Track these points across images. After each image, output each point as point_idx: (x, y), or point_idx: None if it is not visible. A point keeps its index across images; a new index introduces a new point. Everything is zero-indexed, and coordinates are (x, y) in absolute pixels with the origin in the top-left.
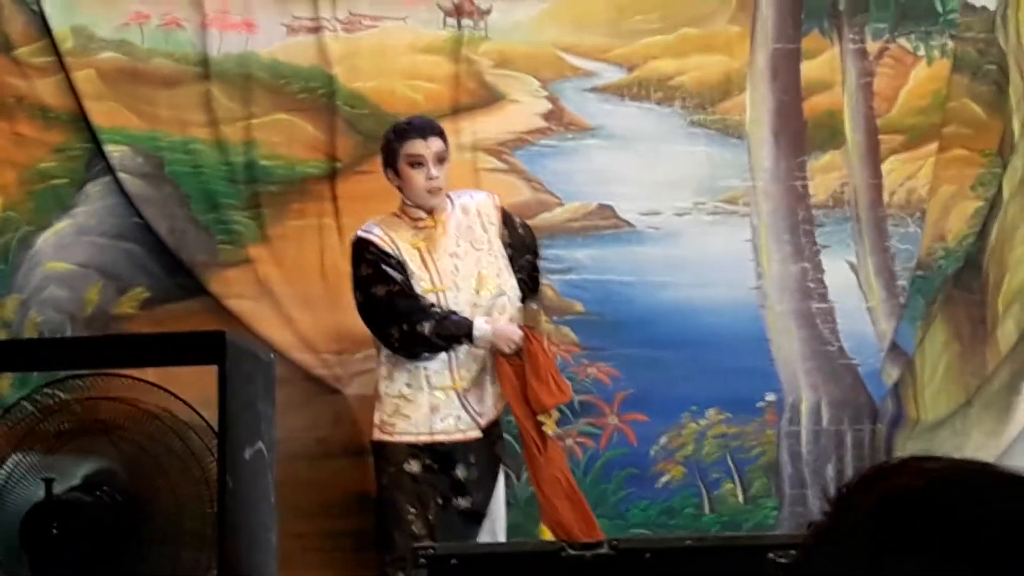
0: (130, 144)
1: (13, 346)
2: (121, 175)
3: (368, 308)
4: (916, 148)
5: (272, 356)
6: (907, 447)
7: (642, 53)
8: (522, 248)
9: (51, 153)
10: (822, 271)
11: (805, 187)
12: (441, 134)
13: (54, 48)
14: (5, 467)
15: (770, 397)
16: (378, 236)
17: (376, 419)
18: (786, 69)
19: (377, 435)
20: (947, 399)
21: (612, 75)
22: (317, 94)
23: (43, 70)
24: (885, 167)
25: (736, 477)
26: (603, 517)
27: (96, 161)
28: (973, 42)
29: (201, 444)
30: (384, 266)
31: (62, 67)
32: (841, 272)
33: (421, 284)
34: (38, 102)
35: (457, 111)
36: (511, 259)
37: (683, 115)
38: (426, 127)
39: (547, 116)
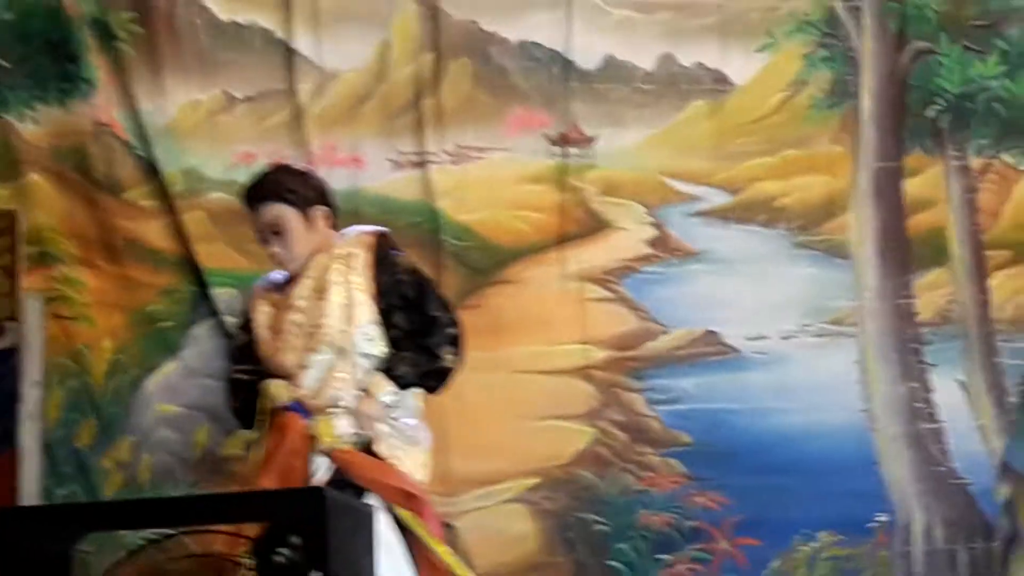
0: (237, 285)
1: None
2: (228, 318)
3: None
4: (1023, 263)
5: (372, 507)
6: (1023, 565)
7: (746, 176)
8: (399, 299)
9: (158, 296)
10: (931, 390)
11: (911, 305)
12: (277, 197)
13: (163, 191)
14: None
15: (882, 518)
16: (251, 290)
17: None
18: (889, 187)
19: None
20: None
21: (716, 199)
22: (423, 229)
23: (152, 213)
24: (992, 283)
25: None
26: None
27: (202, 303)
28: None
29: None
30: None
31: (171, 209)
32: (950, 391)
33: (261, 348)
34: (147, 244)
35: (564, 240)
36: (384, 312)
37: (788, 236)
38: (253, 193)
39: (653, 243)
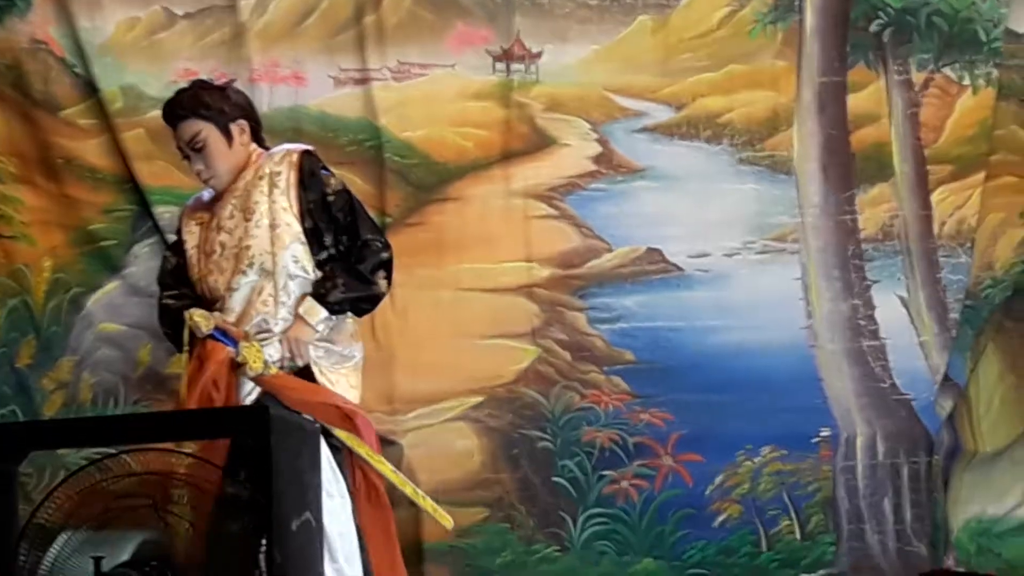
0: (179, 204)
1: (61, 424)
2: (170, 236)
3: None
4: (964, 177)
5: (317, 424)
6: (964, 478)
7: (690, 91)
8: (327, 219)
9: (99, 214)
10: (873, 307)
11: (855, 221)
12: (196, 113)
13: (102, 108)
14: (54, 545)
15: (825, 432)
16: (181, 210)
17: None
18: (833, 103)
19: None
20: (1005, 430)
21: (661, 115)
22: (365, 146)
23: (91, 131)
24: (934, 198)
25: (793, 514)
26: (661, 559)
27: (144, 222)
28: (1018, 69)
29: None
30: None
31: (110, 128)
32: (892, 307)
33: (192, 270)
34: (86, 163)
35: (508, 157)
36: (311, 232)
37: (732, 152)
38: (172, 111)
39: (597, 159)
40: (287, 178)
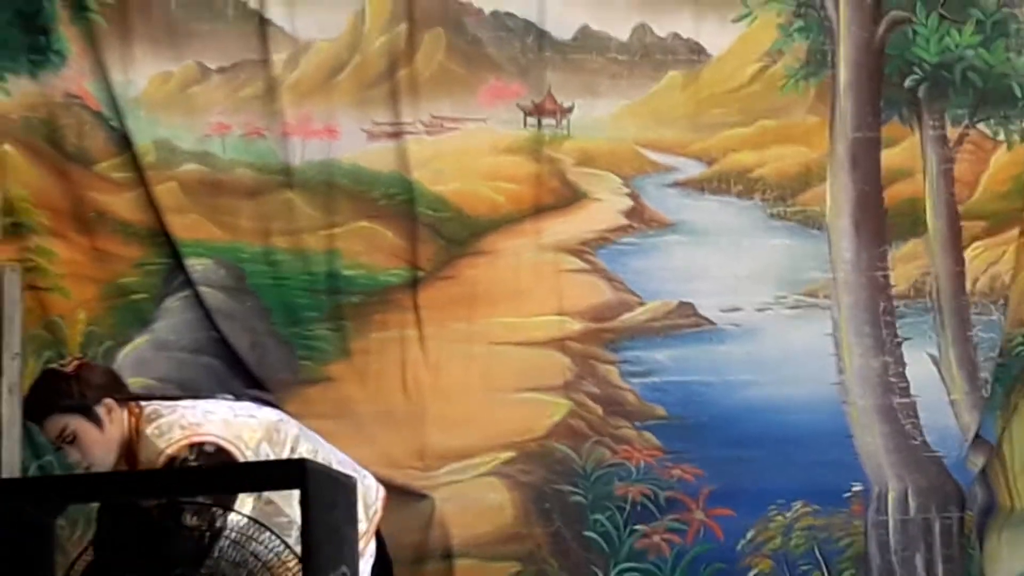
0: (212, 256)
1: (99, 477)
2: (202, 289)
3: None
4: (999, 233)
5: (354, 479)
6: (1003, 536)
7: (721, 147)
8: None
9: (131, 268)
10: (904, 364)
11: (886, 277)
12: (58, 409)
13: (134, 163)
14: None
15: (856, 487)
16: None
17: None
18: (866, 158)
19: None
20: None
21: (692, 170)
22: (397, 200)
23: (123, 185)
24: (968, 254)
25: (825, 569)
26: None
27: (175, 275)
28: None
29: (285, 570)
30: None
31: (142, 181)
32: (923, 364)
33: None
34: (118, 217)
35: (540, 211)
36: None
37: (763, 207)
38: (33, 409)
39: (628, 213)
40: None
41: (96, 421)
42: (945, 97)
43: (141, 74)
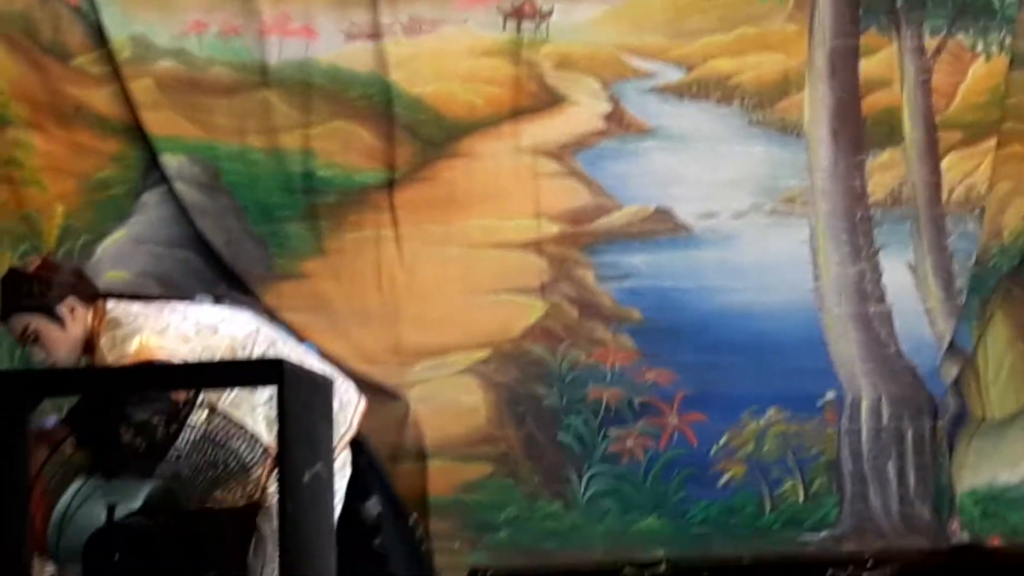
0: (187, 153)
1: (74, 372)
2: (177, 185)
3: None
4: (975, 144)
5: (330, 379)
6: (972, 445)
7: (701, 53)
8: None
9: (109, 162)
10: (880, 272)
11: (863, 186)
12: (20, 308)
13: (111, 58)
14: (67, 494)
15: (830, 395)
16: None
17: None
18: (844, 67)
19: None
20: (1014, 397)
21: (671, 75)
22: (375, 101)
23: (101, 80)
24: (944, 164)
25: (797, 475)
26: (664, 517)
27: (152, 171)
28: None
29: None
30: None
31: (119, 77)
32: (899, 273)
33: None
34: (96, 111)
35: (517, 114)
36: None
37: (742, 114)
38: (2, 307)
39: (607, 118)
40: None
41: (58, 320)
42: (923, 7)
43: None
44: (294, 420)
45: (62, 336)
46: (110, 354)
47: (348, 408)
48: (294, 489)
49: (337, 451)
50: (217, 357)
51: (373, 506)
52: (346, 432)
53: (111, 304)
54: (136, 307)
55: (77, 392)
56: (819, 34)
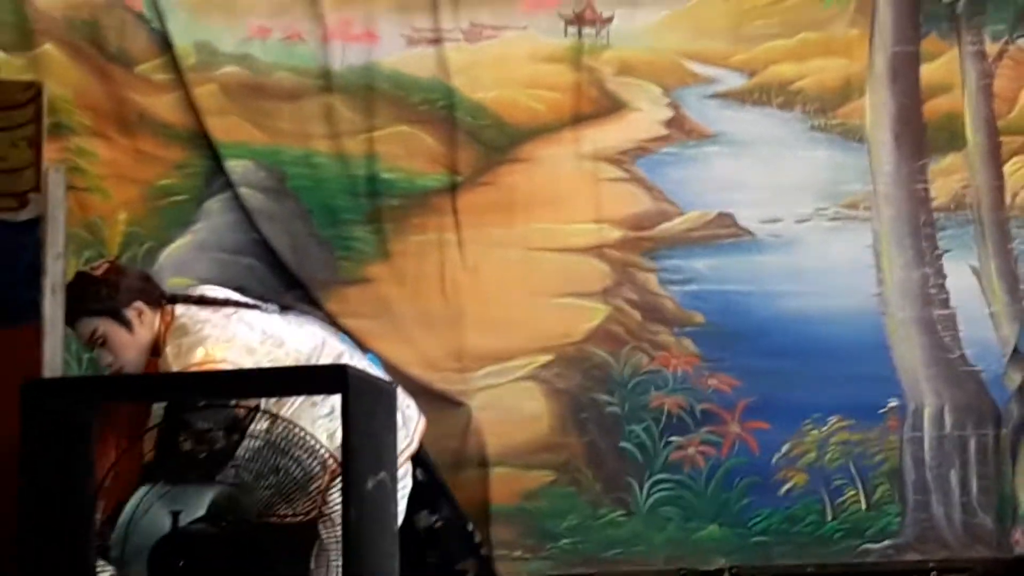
0: (252, 159)
1: (137, 379)
2: (242, 190)
3: None
4: None
5: (394, 385)
6: None
7: (762, 58)
8: None
9: (172, 169)
10: (944, 276)
11: (926, 190)
12: (89, 312)
13: (175, 65)
14: (132, 500)
15: (892, 403)
16: None
17: None
18: (905, 72)
19: None
20: None
21: (733, 81)
22: (437, 106)
23: (164, 87)
24: (1007, 169)
25: (859, 484)
26: (725, 526)
27: (216, 177)
28: None
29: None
30: None
31: (183, 83)
32: (963, 277)
33: None
34: (159, 119)
35: (579, 120)
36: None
37: (804, 120)
38: (68, 311)
39: (668, 124)
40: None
41: (126, 324)
42: (983, 12)
43: None
44: (358, 428)
45: (130, 340)
46: (175, 362)
47: (410, 424)
48: (358, 497)
49: (398, 465)
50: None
51: (426, 518)
52: (407, 447)
53: (180, 310)
54: (204, 313)
55: (142, 399)
56: (880, 39)
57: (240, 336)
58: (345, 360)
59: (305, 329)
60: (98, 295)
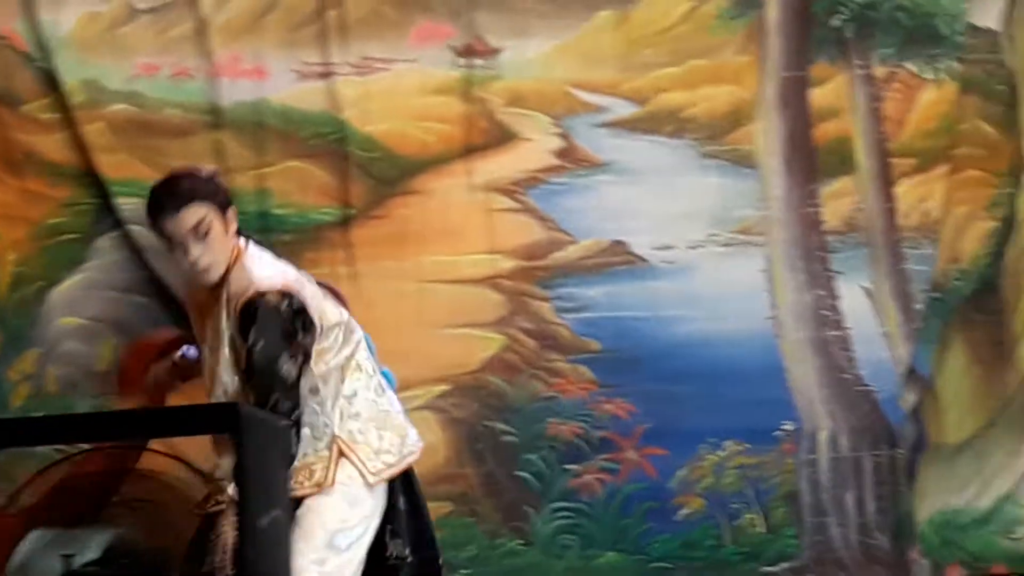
0: (141, 196)
1: (32, 421)
2: (132, 227)
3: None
4: (928, 171)
5: (287, 423)
6: (929, 471)
7: (652, 87)
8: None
9: (60, 208)
10: (837, 298)
11: (818, 214)
12: (201, 197)
13: (62, 103)
14: (24, 543)
15: (788, 426)
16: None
17: None
18: (795, 97)
19: None
20: (971, 422)
21: (623, 110)
22: (329, 139)
23: (51, 126)
24: (898, 190)
25: (756, 507)
26: (624, 552)
27: (105, 215)
28: (980, 63)
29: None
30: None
31: (70, 122)
32: (856, 298)
33: None
34: (47, 158)
35: (470, 151)
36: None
37: (695, 147)
38: (173, 196)
39: (559, 153)
40: (235, 312)
41: (226, 222)
42: (872, 36)
43: (69, 14)
44: (251, 466)
45: (224, 241)
46: (255, 273)
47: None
48: (252, 535)
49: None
50: (331, 323)
51: (399, 548)
52: (391, 467)
53: (250, 245)
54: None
55: (37, 442)
56: (769, 65)
57: (305, 282)
58: (360, 346)
59: (331, 302)
60: (212, 183)
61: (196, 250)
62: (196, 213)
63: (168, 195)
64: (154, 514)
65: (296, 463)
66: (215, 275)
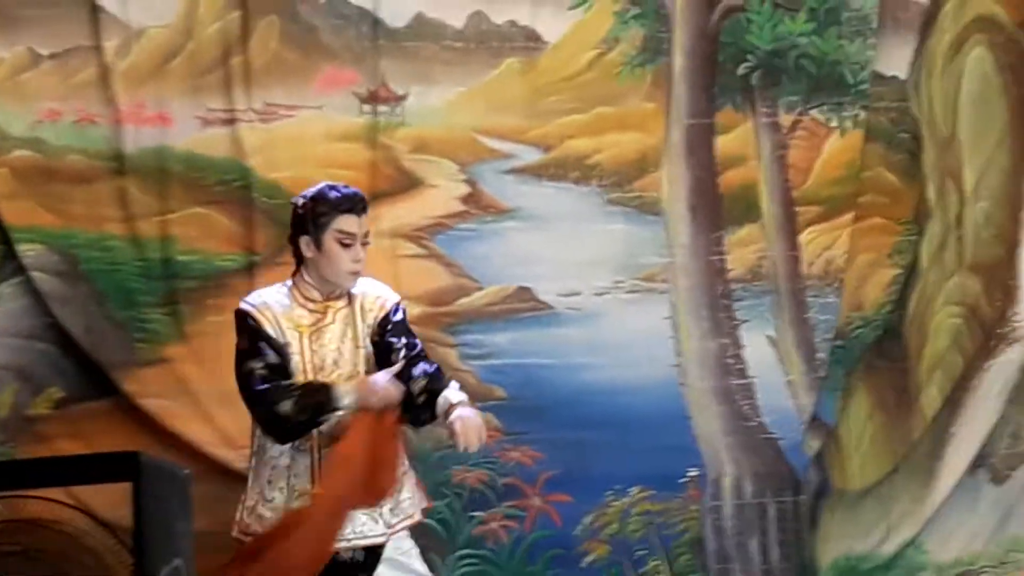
0: (44, 242)
1: None
2: (35, 274)
3: (240, 384)
4: (833, 218)
5: (188, 472)
6: (833, 517)
7: (558, 133)
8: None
9: None
10: (741, 346)
11: (723, 261)
12: (366, 210)
13: None
14: None
15: (693, 472)
16: (259, 310)
17: (237, 513)
18: (701, 144)
19: (235, 532)
20: (875, 468)
21: (529, 156)
22: (233, 186)
23: None
24: (803, 238)
25: (662, 554)
26: None
27: (7, 262)
28: (886, 111)
29: (117, 563)
30: (260, 342)
31: None
32: (760, 346)
33: (296, 371)
34: None
35: (375, 197)
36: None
37: (601, 194)
38: (361, 202)
39: (465, 200)
40: (375, 319)
41: None
42: (778, 84)
43: None
44: (151, 515)
45: None
46: (386, 288)
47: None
48: None
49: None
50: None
51: None
52: (407, 519)
53: None
54: None
55: None
56: (675, 112)
57: None
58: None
59: None
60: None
61: (363, 253)
62: (367, 223)
63: (361, 198)
64: (52, 564)
65: None
66: (357, 281)
